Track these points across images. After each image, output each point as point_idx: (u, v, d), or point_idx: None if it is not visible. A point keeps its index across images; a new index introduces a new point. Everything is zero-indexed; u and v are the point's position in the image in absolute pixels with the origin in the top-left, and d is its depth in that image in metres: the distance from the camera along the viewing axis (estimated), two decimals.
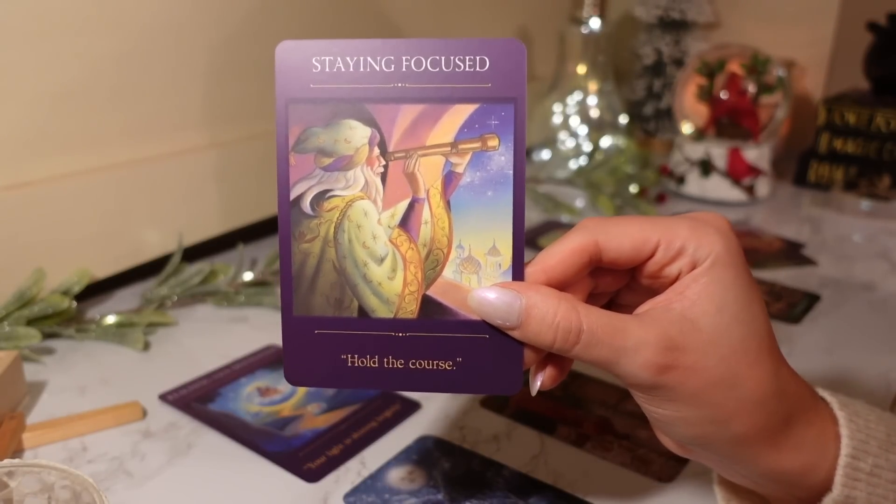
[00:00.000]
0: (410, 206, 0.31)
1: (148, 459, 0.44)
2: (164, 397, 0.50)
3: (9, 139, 0.55)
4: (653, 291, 0.32)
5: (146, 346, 0.57)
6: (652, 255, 0.31)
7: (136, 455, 0.44)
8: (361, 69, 0.30)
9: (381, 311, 0.31)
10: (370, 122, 0.30)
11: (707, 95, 0.95)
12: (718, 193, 0.92)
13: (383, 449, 0.45)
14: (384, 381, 0.32)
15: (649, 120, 1.12)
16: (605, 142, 1.01)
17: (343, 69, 0.30)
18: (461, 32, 0.94)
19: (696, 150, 0.93)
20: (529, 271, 0.31)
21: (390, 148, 0.31)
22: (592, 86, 1.02)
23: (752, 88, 0.93)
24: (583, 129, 1.01)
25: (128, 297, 0.64)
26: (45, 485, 0.34)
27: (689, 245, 0.30)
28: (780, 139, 1.04)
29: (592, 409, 0.49)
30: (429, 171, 0.31)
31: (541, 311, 0.29)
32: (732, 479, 0.34)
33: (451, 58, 0.30)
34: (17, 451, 0.44)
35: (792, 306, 0.65)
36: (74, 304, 0.57)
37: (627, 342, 0.29)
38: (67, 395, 0.50)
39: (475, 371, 0.31)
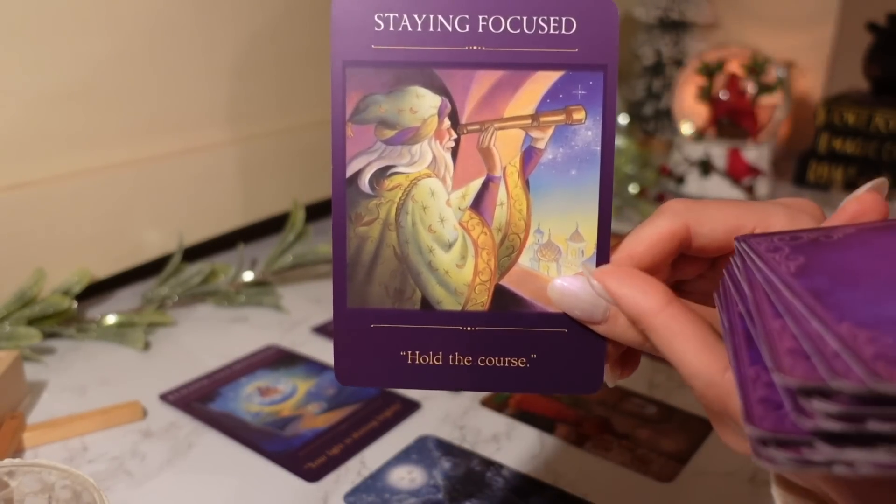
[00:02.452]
0: (484, 186, 0.27)
1: (148, 459, 0.44)
2: (164, 397, 0.50)
3: (9, 139, 0.55)
4: None
5: (146, 346, 0.57)
6: None
7: (136, 455, 0.44)
8: (431, 29, 0.26)
9: (448, 303, 0.28)
10: (440, 89, 0.27)
11: (707, 96, 0.95)
12: (718, 193, 0.92)
13: (383, 449, 0.45)
14: (449, 380, 0.28)
15: (649, 120, 1.13)
16: None
17: (410, 28, 0.27)
18: None
19: (696, 151, 0.93)
20: (615, 259, 0.27)
21: (463, 119, 0.27)
22: None
23: (751, 89, 0.93)
24: None
25: (128, 297, 0.64)
26: (45, 484, 0.34)
27: None
28: (779, 139, 1.04)
29: (592, 409, 0.49)
30: (506, 146, 0.27)
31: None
32: (794, 479, 0.33)
33: (535, 18, 0.26)
34: (18, 451, 0.44)
35: None
36: (75, 303, 0.57)
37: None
38: (68, 394, 0.50)
39: (551, 369, 0.28)
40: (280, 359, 0.55)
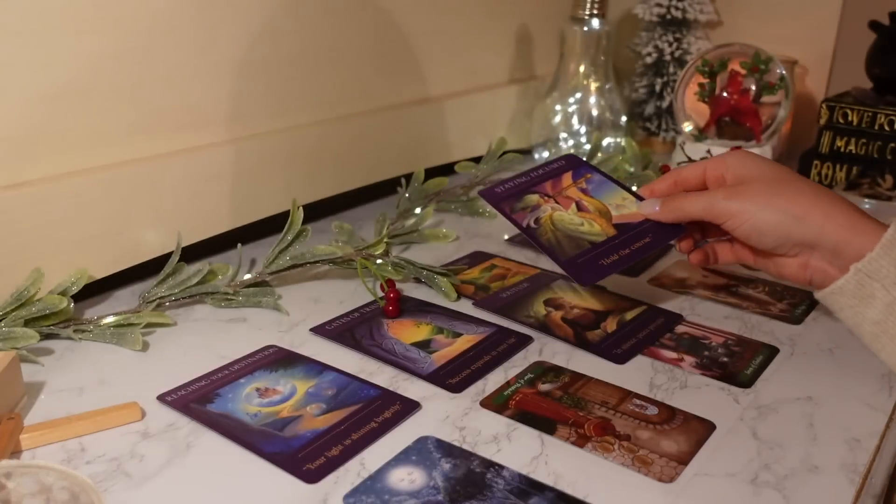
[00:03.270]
0: (577, 204, 0.63)
1: (146, 460, 0.44)
2: (162, 398, 0.50)
3: (7, 139, 0.55)
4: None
5: (144, 347, 0.56)
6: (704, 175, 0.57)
7: (134, 456, 0.44)
8: (516, 190, 0.63)
9: (600, 239, 0.59)
10: (534, 191, 0.64)
11: (708, 95, 0.94)
12: None
13: (383, 449, 0.45)
14: (624, 262, 0.57)
15: (650, 119, 1.12)
16: (606, 141, 1.01)
17: (510, 186, 0.64)
18: (461, 31, 0.94)
19: (698, 150, 0.93)
20: (643, 193, 0.61)
21: (551, 194, 0.64)
22: (593, 85, 1.01)
23: (753, 87, 0.93)
24: (583, 129, 1.01)
25: (126, 298, 0.64)
26: (43, 486, 0.34)
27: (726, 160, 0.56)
28: (781, 139, 1.03)
29: (593, 410, 0.49)
30: (573, 192, 0.64)
31: (666, 202, 0.58)
32: (803, 269, 0.52)
33: (545, 167, 0.66)
34: (15, 452, 0.44)
35: (794, 307, 0.65)
36: (72, 304, 0.57)
37: (710, 195, 0.54)
38: (65, 395, 0.50)
39: (657, 236, 0.59)
40: (279, 359, 0.55)
